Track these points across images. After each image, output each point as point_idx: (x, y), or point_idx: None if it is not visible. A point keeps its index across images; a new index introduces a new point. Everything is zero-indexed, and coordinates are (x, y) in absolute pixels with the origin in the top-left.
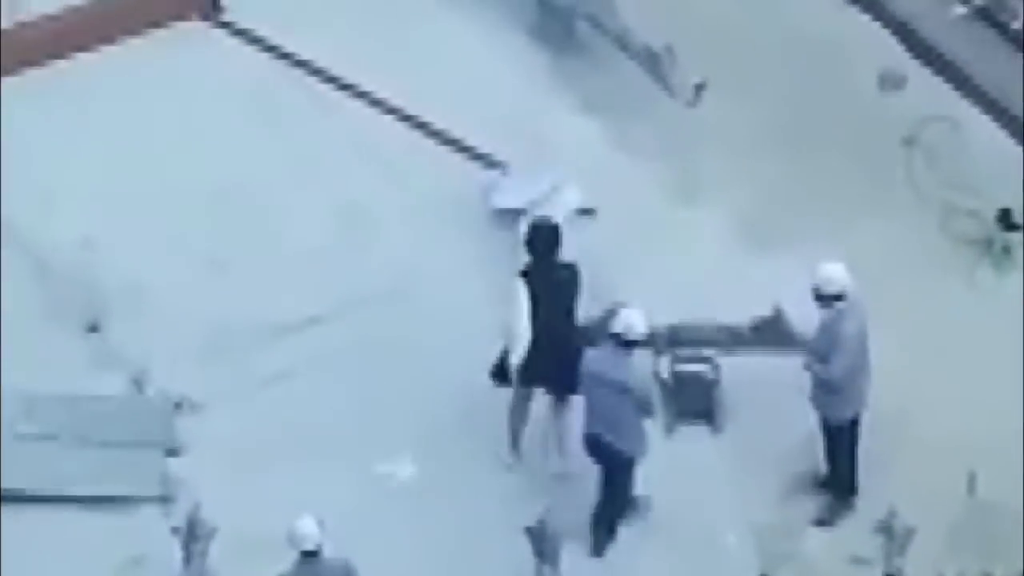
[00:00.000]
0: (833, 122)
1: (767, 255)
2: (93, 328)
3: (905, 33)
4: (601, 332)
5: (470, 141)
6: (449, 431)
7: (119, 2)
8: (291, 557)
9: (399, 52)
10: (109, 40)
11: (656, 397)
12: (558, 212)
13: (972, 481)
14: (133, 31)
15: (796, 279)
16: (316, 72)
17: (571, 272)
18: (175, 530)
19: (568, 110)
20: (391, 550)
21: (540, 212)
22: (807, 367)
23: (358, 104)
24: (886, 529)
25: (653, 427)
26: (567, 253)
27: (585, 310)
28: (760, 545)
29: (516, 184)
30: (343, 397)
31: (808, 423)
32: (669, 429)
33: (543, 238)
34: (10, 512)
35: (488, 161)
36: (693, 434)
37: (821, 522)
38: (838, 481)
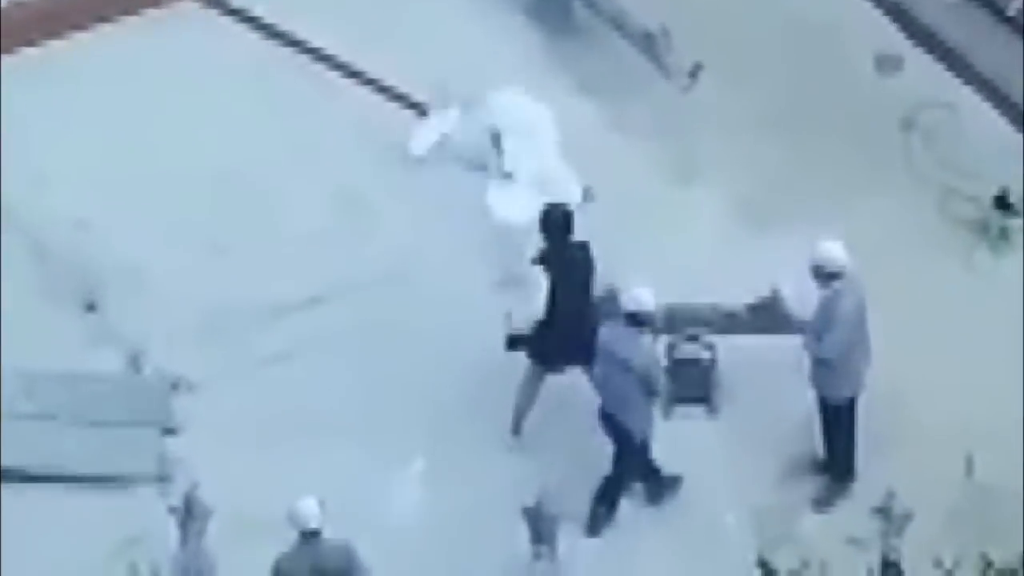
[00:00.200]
0: (830, 104)
1: (764, 237)
2: (90, 307)
3: (902, 16)
4: (599, 313)
5: None
6: (450, 412)
7: None
8: (289, 538)
9: (395, 33)
10: (105, 20)
11: (661, 378)
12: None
13: (970, 464)
14: (129, 11)
15: (793, 261)
16: (312, 52)
17: (584, 251)
18: (172, 509)
19: (564, 91)
20: (390, 531)
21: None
22: (806, 346)
23: (357, 86)
24: (884, 512)
25: (652, 409)
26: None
27: None
28: (758, 527)
29: (426, 126)
30: (342, 378)
31: (806, 405)
32: (666, 411)
33: (556, 223)
34: (8, 491)
35: None
36: (690, 416)
37: (819, 504)
38: (836, 464)
